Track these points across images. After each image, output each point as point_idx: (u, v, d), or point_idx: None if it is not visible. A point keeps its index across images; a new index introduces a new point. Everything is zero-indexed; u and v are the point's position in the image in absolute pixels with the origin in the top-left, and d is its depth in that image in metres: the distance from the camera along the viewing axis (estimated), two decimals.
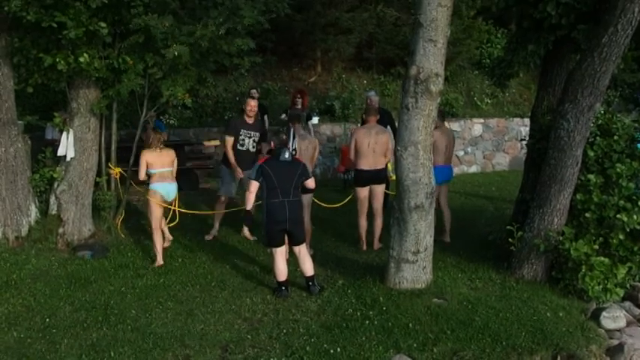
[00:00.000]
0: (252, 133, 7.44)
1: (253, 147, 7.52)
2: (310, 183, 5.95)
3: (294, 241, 5.79)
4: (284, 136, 6.26)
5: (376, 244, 7.18)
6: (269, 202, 5.64)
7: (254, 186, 5.69)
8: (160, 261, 6.59)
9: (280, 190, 5.61)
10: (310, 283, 5.75)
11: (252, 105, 7.46)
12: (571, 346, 4.75)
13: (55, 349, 4.72)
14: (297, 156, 6.58)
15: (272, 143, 6.40)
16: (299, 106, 10.38)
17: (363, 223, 7.20)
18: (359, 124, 11.55)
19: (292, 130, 6.58)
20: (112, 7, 6.50)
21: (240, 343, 4.81)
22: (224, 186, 7.59)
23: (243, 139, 7.42)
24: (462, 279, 6.03)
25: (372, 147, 6.96)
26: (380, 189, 7.15)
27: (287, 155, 5.74)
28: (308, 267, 5.75)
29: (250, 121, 7.46)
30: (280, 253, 5.70)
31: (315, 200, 7.22)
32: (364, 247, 7.18)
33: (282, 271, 5.69)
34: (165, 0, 6.78)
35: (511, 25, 12.30)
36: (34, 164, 7.39)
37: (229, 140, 7.39)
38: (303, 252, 5.79)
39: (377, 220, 7.17)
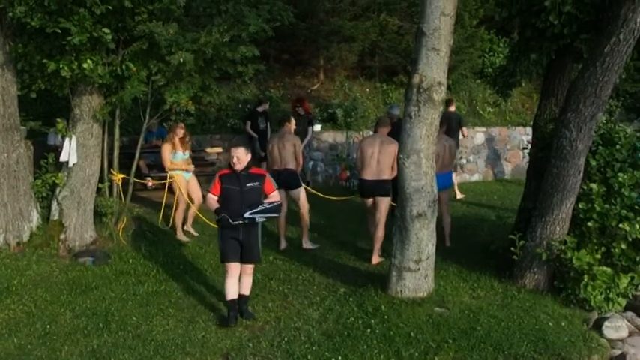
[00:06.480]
0: None
1: None
2: None
3: None
4: None
5: (373, 259, 6.84)
6: None
7: None
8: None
9: None
10: None
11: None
12: (573, 356, 4.73)
13: (56, 356, 4.72)
14: (278, 155, 7.36)
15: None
16: (302, 114, 10.40)
17: (371, 229, 7.14)
18: (361, 133, 11.58)
19: None
20: (116, 14, 6.53)
21: (242, 351, 4.80)
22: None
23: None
24: (463, 288, 6.02)
25: (376, 157, 6.83)
26: (383, 201, 6.89)
27: None
28: None
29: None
30: None
31: (311, 190, 7.35)
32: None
33: None
34: (169, 7, 6.81)
35: (513, 34, 12.38)
36: (37, 170, 7.40)
37: None
38: None
39: (377, 232, 6.90)
